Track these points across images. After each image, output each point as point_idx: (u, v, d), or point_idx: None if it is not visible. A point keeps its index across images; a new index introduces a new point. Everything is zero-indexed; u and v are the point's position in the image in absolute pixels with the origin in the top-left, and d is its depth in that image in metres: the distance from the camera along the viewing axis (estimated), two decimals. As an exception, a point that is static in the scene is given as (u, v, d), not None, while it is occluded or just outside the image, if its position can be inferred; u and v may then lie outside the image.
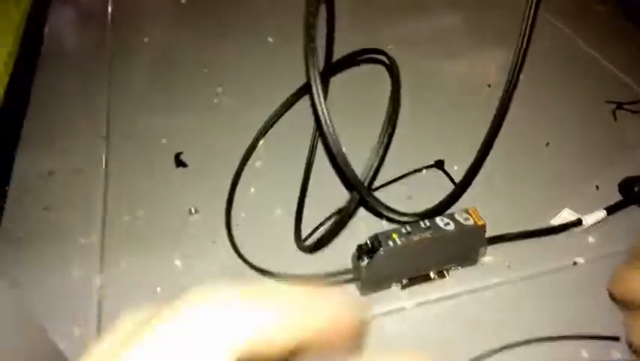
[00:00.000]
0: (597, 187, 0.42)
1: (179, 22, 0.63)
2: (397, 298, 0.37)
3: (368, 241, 0.35)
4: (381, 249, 0.34)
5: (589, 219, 0.39)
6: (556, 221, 0.40)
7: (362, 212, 0.42)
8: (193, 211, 0.42)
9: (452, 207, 0.39)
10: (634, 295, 0.32)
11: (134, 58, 0.57)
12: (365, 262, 0.34)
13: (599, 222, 0.39)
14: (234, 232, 0.40)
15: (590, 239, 0.39)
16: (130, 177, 0.45)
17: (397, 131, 0.46)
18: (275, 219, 0.42)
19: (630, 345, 0.33)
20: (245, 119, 0.48)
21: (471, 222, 0.35)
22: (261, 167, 0.46)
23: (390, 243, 0.34)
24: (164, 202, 0.43)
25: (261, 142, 0.47)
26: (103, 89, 0.53)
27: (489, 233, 0.37)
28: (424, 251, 0.35)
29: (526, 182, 0.43)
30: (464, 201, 0.39)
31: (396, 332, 0.35)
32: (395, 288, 0.37)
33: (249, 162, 0.46)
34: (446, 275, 0.38)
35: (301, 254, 0.39)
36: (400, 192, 0.43)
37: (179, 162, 0.46)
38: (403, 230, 0.35)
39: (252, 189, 0.44)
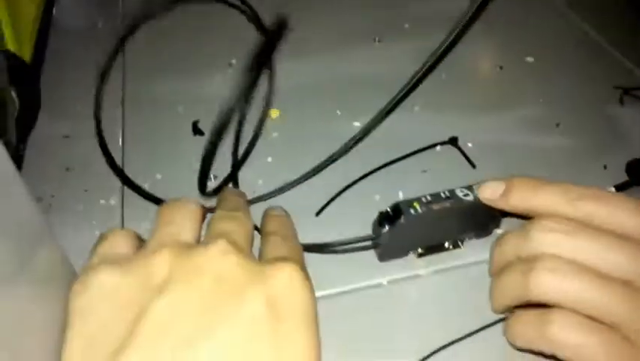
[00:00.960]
0: (605, 167, 0.44)
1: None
2: (413, 266, 0.38)
3: (389, 209, 0.36)
4: (402, 216, 0.35)
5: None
6: (566, 198, 0.41)
7: (376, 185, 0.43)
8: (212, 178, 0.43)
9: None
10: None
11: (149, 25, 0.57)
12: (386, 228, 0.35)
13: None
14: (251, 199, 0.41)
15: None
16: (147, 144, 0.46)
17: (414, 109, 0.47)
18: (292, 188, 0.42)
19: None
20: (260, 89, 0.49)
21: (489, 193, 0.36)
22: (278, 137, 0.47)
23: (412, 211, 0.35)
24: (182, 168, 0.43)
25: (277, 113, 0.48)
26: (117, 55, 0.53)
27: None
28: (443, 221, 0.36)
29: (537, 160, 0.44)
30: (481, 175, 0.40)
31: (413, 298, 0.36)
32: (411, 256, 0.38)
33: (266, 132, 0.46)
34: (461, 245, 0.39)
35: (317, 224, 0.40)
36: (415, 166, 0.44)
37: (197, 130, 0.46)
38: (424, 199, 0.36)
39: (269, 159, 0.45)
